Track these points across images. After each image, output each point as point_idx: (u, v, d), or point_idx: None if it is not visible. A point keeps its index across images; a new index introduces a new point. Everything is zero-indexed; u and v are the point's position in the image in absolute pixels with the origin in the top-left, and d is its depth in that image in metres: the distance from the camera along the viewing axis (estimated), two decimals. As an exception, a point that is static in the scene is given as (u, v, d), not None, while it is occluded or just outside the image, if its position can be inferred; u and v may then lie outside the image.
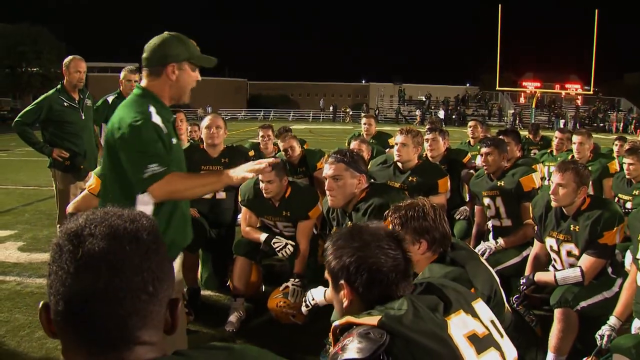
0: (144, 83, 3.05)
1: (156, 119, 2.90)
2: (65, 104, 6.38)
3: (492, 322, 2.10)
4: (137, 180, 2.86)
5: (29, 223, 8.85)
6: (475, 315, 2.03)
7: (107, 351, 1.12)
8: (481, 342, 1.93)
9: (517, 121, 50.85)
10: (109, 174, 3.05)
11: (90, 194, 4.66)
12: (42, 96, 6.45)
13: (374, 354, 1.71)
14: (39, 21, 55.15)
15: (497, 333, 2.06)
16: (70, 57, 6.45)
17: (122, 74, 7.17)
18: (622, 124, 49.61)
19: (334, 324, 1.97)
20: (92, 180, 4.71)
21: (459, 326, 1.92)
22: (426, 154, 6.42)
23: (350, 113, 56.86)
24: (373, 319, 1.82)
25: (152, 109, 2.92)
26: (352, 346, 1.75)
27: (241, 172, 3.07)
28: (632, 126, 48.33)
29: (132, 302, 1.11)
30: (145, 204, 2.94)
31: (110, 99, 7.09)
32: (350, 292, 2.03)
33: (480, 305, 2.12)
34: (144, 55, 3.02)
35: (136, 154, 2.85)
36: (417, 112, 52.86)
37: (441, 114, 49.70)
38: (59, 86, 6.47)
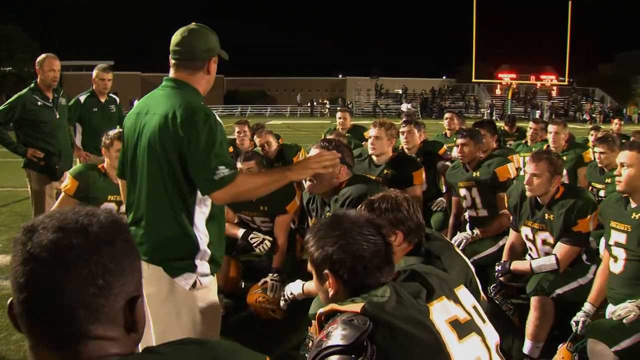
0: (178, 76, 2.88)
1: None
2: (39, 103, 6.29)
3: (475, 307, 2.13)
4: (205, 181, 2.69)
5: (4, 225, 8.75)
6: (457, 301, 2.07)
7: (61, 344, 1.12)
8: (463, 328, 1.96)
9: (493, 113, 51.18)
10: (154, 178, 2.80)
11: (67, 196, 4.63)
12: (16, 95, 6.34)
13: (357, 340, 1.75)
14: (11, 20, 54.38)
15: (479, 318, 2.09)
16: (43, 56, 6.37)
17: (94, 73, 7.10)
18: (602, 116, 50.15)
19: (318, 312, 2.01)
20: (68, 181, 4.68)
21: (441, 312, 1.95)
22: (402, 147, 6.45)
23: (328, 105, 56.88)
24: (356, 306, 1.85)
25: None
26: (336, 333, 1.79)
27: (306, 168, 3.05)
28: (601, 117, 49.00)
29: (78, 295, 1.11)
30: (201, 215, 2.82)
31: (82, 98, 7.02)
32: (335, 281, 2.05)
33: (463, 292, 2.16)
34: (180, 48, 2.85)
35: (208, 154, 2.67)
36: (408, 106, 52.77)
37: (404, 106, 49.85)
38: (32, 85, 6.37)
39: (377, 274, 2.04)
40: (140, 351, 1.22)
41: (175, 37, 2.87)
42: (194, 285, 2.81)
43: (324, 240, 2.08)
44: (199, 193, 2.78)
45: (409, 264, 2.66)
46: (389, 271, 2.09)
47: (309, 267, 2.17)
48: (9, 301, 1.17)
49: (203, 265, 2.84)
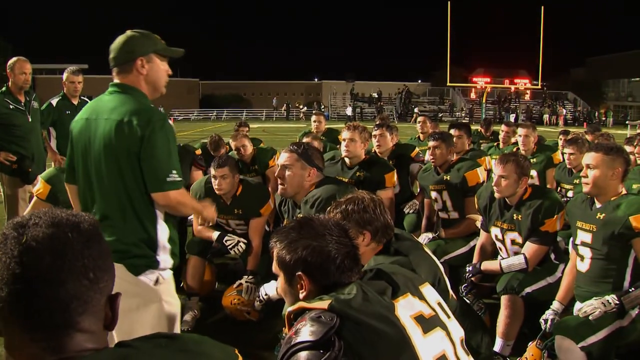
0: (119, 80, 2.99)
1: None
2: (11, 106, 6.25)
3: (439, 304, 2.20)
4: (157, 180, 2.84)
5: (-24, 229, 8.64)
6: (422, 297, 2.13)
7: (49, 336, 1.16)
8: (428, 322, 2.02)
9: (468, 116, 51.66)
10: (113, 180, 2.89)
11: (39, 200, 4.61)
12: (-14, 99, 6.31)
13: (325, 336, 1.80)
14: (-18, 23, 53.73)
15: (444, 314, 2.16)
16: (14, 59, 6.33)
17: (64, 76, 7.05)
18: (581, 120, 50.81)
19: (287, 310, 2.06)
20: (40, 185, 4.66)
21: (406, 308, 2.01)
22: (374, 150, 6.50)
23: (304, 109, 56.92)
24: (324, 303, 1.91)
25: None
26: (305, 330, 1.84)
27: (209, 215, 3.32)
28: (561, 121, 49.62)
29: (73, 286, 1.16)
30: (162, 212, 2.97)
31: (54, 101, 6.98)
32: (308, 283, 2.10)
33: (427, 289, 2.23)
34: (111, 55, 2.98)
35: (167, 157, 2.85)
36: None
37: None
38: (3, 88, 6.32)
39: (348, 274, 2.11)
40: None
41: (111, 46, 3.01)
42: (156, 281, 2.94)
43: (296, 244, 2.13)
44: None
45: (377, 263, 2.73)
46: (357, 272, 2.16)
47: (275, 269, 2.21)
48: None
49: (164, 261, 2.97)
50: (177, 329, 3.16)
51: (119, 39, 3.00)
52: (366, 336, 1.85)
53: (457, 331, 2.15)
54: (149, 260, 2.92)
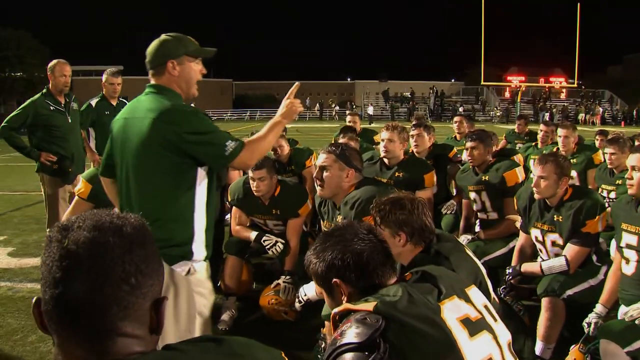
0: (154, 81, 3.12)
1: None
2: (52, 108, 6.38)
3: (486, 307, 2.18)
4: (218, 158, 2.96)
5: (17, 228, 8.83)
6: (468, 300, 2.11)
7: (91, 340, 1.16)
8: (474, 325, 2.00)
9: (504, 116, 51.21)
10: (150, 175, 2.98)
11: (80, 199, 4.67)
12: (28, 101, 6.44)
13: (370, 338, 1.80)
14: (21, 26, 54.72)
15: (491, 317, 2.14)
16: (55, 61, 6.45)
17: (104, 77, 7.21)
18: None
19: (333, 312, 2.06)
20: (81, 184, 4.71)
21: (452, 310, 1.99)
22: (412, 150, 6.47)
23: (337, 108, 56.96)
24: (369, 305, 1.91)
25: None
26: (350, 331, 1.84)
27: (292, 111, 3.32)
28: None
29: (112, 291, 1.16)
30: (202, 203, 3.05)
31: (93, 102, 7.13)
32: (345, 287, 2.11)
33: (474, 291, 2.21)
34: (146, 59, 3.11)
35: (211, 137, 2.94)
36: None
37: (370, 109, 50.52)
38: (44, 90, 6.47)
39: (381, 270, 2.13)
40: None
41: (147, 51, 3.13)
42: (188, 271, 3.00)
43: (323, 253, 2.16)
44: (198, 180, 3.01)
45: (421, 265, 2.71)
46: (392, 266, 2.19)
47: (317, 288, 2.26)
48: (34, 299, 1.21)
49: (198, 252, 3.04)
50: (208, 319, 3.24)
51: (153, 43, 3.11)
52: (411, 338, 1.84)
53: (504, 334, 2.12)
54: (183, 251, 2.99)
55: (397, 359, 1.80)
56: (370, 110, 52.89)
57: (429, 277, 2.16)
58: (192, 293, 3.02)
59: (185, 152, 2.90)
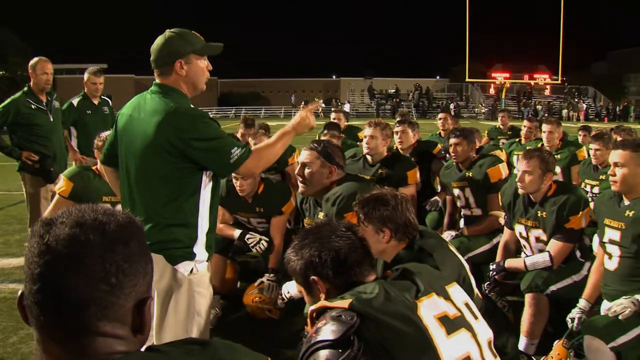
0: (160, 81, 3.07)
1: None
2: (33, 106, 6.31)
3: (467, 304, 2.17)
4: (224, 166, 2.93)
5: (0, 228, 8.74)
6: (448, 298, 2.11)
7: (69, 338, 1.14)
8: (452, 323, 2.00)
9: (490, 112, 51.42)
10: (154, 177, 2.95)
11: (61, 198, 4.62)
12: (9, 99, 6.36)
13: (344, 335, 1.80)
14: (3, 23, 54.27)
15: (471, 315, 2.13)
16: (36, 59, 6.39)
17: (85, 76, 7.14)
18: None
19: (310, 309, 2.06)
20: (62, 183, 4.67)
21: (429, 308, 1.99)
22: (396, 146, 6.46)
23: (322, 104, 56.97)
24: (345, 302, 1.91)
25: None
26: (325, 329, 1.85)
27: (304, 125, 3.30)
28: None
29: (89, 291, 1.13)
30: (205, 205, 3.03)
31: (75, 101, 7.05)
32: (323, 284, 2.11)
33: (454, 289, 2.21)
34: (151, 57, 3.05)
35: (217, 144, 2.91)
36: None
37: (347, 107, 50.53)
38: (25, 89, 6.40)
39: (359, 268, 2.14)
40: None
41: (151, 48, 3.06)
42: (190, 271, 3.00)
43: (301, 251, 2.16)
44: (203, 184, 2.98)
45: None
46: (370, 263, 2.19)
47: (297, 286, 2.26)
48: (19, 292, 1.19)
49: (200, 253, 3.03)
50: (206, 320, 3.23)
51: (158, 41, 3.04)
52: (386, 336, 1.84)
53: (485, 332, 2.12)
54: (185, 252, 2.97)
55: (371, 357, 1.80)
56: (347, 107, 52.68)
57: (408, 274, 2.16)
58: (192, 293, 3.02)
59: (190, 158, 2.88)
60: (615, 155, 3.69)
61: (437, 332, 1.92)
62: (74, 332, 1.14)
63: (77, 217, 1.18)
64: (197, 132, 2.87)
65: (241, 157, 2.92)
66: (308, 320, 2.07)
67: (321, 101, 56.20)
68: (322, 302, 2.01)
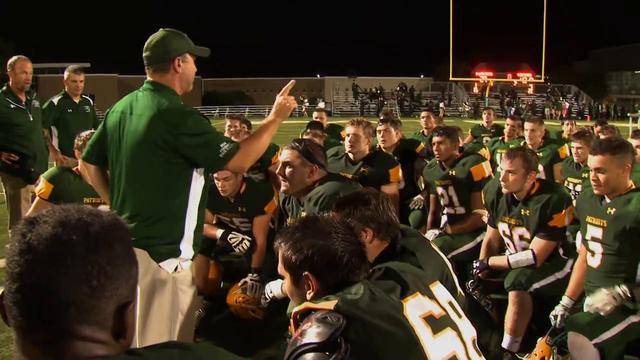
0: (154, 79, 3.09)
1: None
2: (12, 105, 6.24)
3: (450, 303, 2.16)
4: (212, 161, 2.95)
5: (-20, 229, 8.63)
6: (432, 297, 2.10)
7: (47, 341, 1.11)
8: (438, 323, 1.99)
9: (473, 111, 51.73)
10: (145, 173, 2.98)
11: (42, 200, 4.57)
12: (-13, 99, 6.28)
13: (330, 337, 1.78)
14: (-16, 23, 53.74)
15: (455, 314, 2.12)
16: (15, 58, 6.31)
17: (65, 74, 7.07)
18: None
19: (293, 310, 2.04)
20: (42, 184, 4.62)
21: (415, 307, 1.98)
22: (379, 145, 6.46)
23: (307, 103, 56.91)
24: (330, 304, 1.88)
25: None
26: (311, 331, 1.82)
27: (287, 108, 3.32)
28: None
29: (69, 292, 1.10)
30: (194, 203, 3.06)
31: (55, 100, 6.98)
32: (316, 283, 2.08)
33: (438, 288, 2.20)
34: (147, 53, 3.07)
35: (205, 139, 2.93)
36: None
37: (321, 104, 50.63)
38: (4, 88, 6.31)
39: (355, 274, 2.09)
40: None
41: (145, 45, 3.10)
42: (175, 269, 3.02)
43: (302, 243, 2.11)
44: (193, 180, 3.03)
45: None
46: (365, 269, 2.14)
47: (281, 270, 2.20)
48: (0, 292, 1.16)
49: (186, 250, 3.05)
50: (190, 319, 3.26)
51: (155, 38, 3.08)
52: (373, 337, 1.82)
53: (469, 331, 2.11)
54: (171, 248, 3.00)
55: (359, 358, 1.78)
56: (322, 105, 52.57)
57: (392, 273, 2.14)
58: (177, 291, 3.04)
59: (181, 153, 2.92)
60: (595, 161, 3.65)
61: (423, 332, 1.91)
62: (52, 334, 1.11)
63: (61, 216, 1.15)
64: (188, 127, 2.89)
65: (230, 152, 2.93)
66: (291, 321, 2.05)
67: (304, 98, 56.24)
68: (306, 304, 1.99)
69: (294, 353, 1.82)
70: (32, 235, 1.11)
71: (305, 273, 2.08)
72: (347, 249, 2.10)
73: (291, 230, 2.19)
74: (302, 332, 1.85)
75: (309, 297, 2.08)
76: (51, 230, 1.11)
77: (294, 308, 2.10)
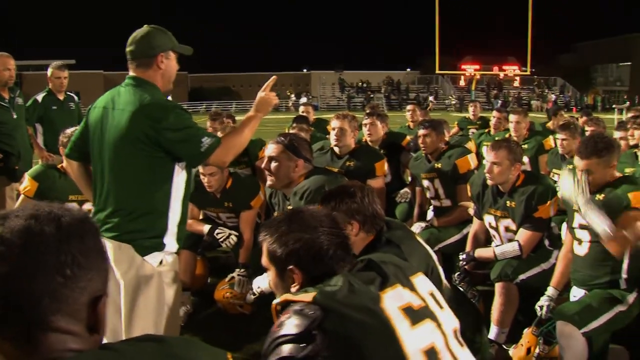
0: (136, 74, 3.11)
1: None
2: (-5, 103, 6.18)
3: (431, 294, 2.17)
4: (194, 156, 3.00)
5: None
6: (412, 288, 2.10)
7: (20, 333, 1.11)
8: (416, 314, 1.99)
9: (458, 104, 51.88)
10: (127, 168, 3.00)
11: (27, 198, 4.55)
12: (-30, 97, 6.22)
13: (307, 329, 1.81)
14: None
15: (436, 305, 2.13)
16: (-4, 55, 6.25)
17: (49, 71, 7.00)
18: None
19: (273, 302, 2.05)
20: (27, 182, 4.60)
21: (394, 299, 1.99)
22: (365, 139, 6.47)
23: (294, 98, 56.85)
24: (308, 296, 1.91)
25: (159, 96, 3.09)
26: (288, 323, 1.85)
27: (268, 103, 3.33)
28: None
29: (44, 281, 1.11)
30: (177, 196, 3.08)
31: (40, 97, 6.91)
32: (301, 276, 2.09)
33: (419, 279, 2.20)
34: (130, 48, 3.09)
35: (187, 134, 2.96)
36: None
37: (303, 99, 50.57)
38: (-14, 85, 6.25)
39: (340, 264, 2.11)
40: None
41: (129, 40, 3.12)
42: (160, 263, 3.04)
43: (287, 237, 2.12)
44: (176, 174, 3.05)
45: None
46: (349, 262, 2.16)
47: (266, 263, 2.21)
48: None
49: (170, 244, 3.07)
50: (176, 312, 3.27)
51: (140, 34, 3.11)
52: (350, 328, 1.84)
53: (450, 322, 2.12)
54: (155, 242, 3.01)
55: (335, 350, 1.80)
56: (304, 100, 52.27)
57: (374, 265, 2.15)
58: (162, 285, 3.04)
59: (163, 147, 2.94)
60: (582, 165, 3.64)
61: (400, 324, 1.92)
62: (26, 326, 1.11)
63: (32, 210, 1.17)
64: (170, 122, 2.92)
65: (211, 146, 2.96)
66: (273, 313, 2.06)
67: (292, 93, 56.09)
68: (286, 296, 2.01)
69: (271, 344, 1.85)
70: (3, 228, 1.12)
71: (291, 267, 2.09)
72: (333, 242, 2.11)
73: (277, 224, 2.19)
74: (280, 323, 1.88)
75: (293, 290, 2.09)
76: (23, 222, 1.13)
77: (274, 290, 2.16)
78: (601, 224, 3.33)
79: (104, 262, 1.24)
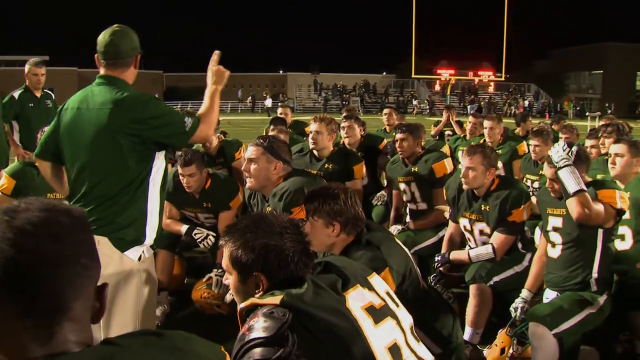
0: (110, 73, 3.10)
1: None
2: (-31, 100, 6.12)
3: (388, 293, 2.25)
4: (179, 135, 3.06)
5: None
6: (371, 288, 2.18)
7: (41, 323, 1.13)
8: (378, 313, 2.07)
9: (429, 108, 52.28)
10: (106, 163, 3.00)
11: (4, 196, 4.52)
12: (-57, 94, 6.16)
13: (278, 331, 1.83)
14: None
15: (393, 303, 2.21)
16: (-30, 52, 6.20)
17: (26, 68, 6.94)
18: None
19: (239, 307, 2.06)
20: (4, 180, 4.57)
21: (357, 299, 2.05)
22: (343, 141, 6.51)
23: (271, 100, 56.71)
24: (275, 299, 1.93)
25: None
26: (258, 326, 1.86)
27: (222, 76, 3.37)
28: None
29: (67, 270, 1.15)
30: (155, 189, 3.12)
31: (16, 94, 6.86)
32: (266, 281, 2.09)
33: (375, 279, 2.28)
34: (107, 48, 3.07)
35: (170, 118, 3.05)
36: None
37: (268, 102, 50.91)
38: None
39: (304, 270, 2.13)
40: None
41: (102, 39, 3.11)
42: (139, 258, 3.06)
43: (253, 243, 2.10)
44: (154, 167, 3.09)
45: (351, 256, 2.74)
46: (311, 267, 2.19)
47: (227, 267, 2.18)
48: None
49: (150, 236, 3.11)
50: (153, 308, 3.30)
51: (120, 34, 3.11)
52: (319, 329, 1.88)
53: (407, 319, 2.21)
54: (135, 236, 3.04)
55: (306, 351, 1.83)
56: (269, 102, 51.88)
57: (332, 267, 2.20)
58: (140, 280, 3.07)
59: (144, 139, 2.97)
60: (550, 173, 3.84)
61: (365, 322, 1.98)
62: (48, 314, 1.13)
63: (41, 204, 1.19)
64: (151, 112, 2.98)
65: (194, 124, 3.06)
66: (238, 318, 2.07)
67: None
68: (252, 300, 2.01)
69: (242, 348, 1.85)
70: (19, 220, 1.14)
71: (256, 272, 2.09)
72: (297, 249, 2.12)
73: (241, 229, 2.16)
74: (249, 327, 1.88)
75: (257, 295, 2.08)
76: (39, 214, 1.15)
77: (234, 295, 2.16)
78: (571, 186, 3.53)
79: (97, 254, 1.27)
